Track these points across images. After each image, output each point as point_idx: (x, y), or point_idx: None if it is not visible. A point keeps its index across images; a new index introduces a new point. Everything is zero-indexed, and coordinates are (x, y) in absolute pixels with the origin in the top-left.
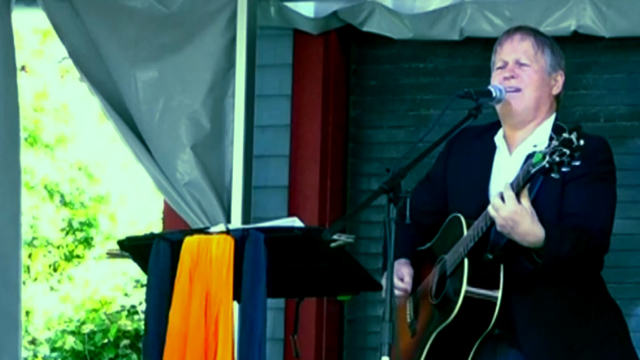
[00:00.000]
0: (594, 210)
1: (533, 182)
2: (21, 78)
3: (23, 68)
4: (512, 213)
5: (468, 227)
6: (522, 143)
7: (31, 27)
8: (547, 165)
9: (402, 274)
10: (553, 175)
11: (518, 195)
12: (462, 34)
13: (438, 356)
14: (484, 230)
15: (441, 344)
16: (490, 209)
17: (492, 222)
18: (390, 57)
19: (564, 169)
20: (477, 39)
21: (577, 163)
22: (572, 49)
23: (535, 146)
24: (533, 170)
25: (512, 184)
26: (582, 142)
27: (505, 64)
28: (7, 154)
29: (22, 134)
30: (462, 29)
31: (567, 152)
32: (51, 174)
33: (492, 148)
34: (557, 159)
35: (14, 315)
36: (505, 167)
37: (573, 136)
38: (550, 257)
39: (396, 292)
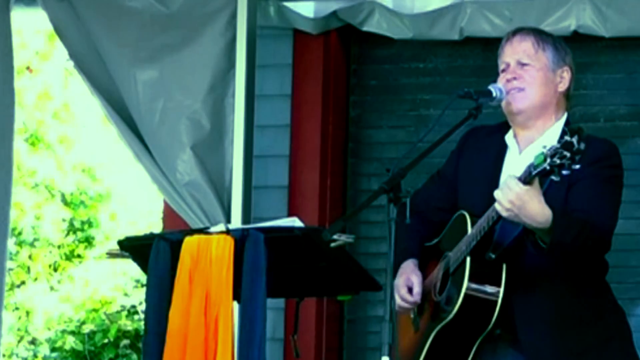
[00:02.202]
0: (598, 208)
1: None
2: (25, 79)
3: (28, 68)
4: (520, 194)
5: (472, 224)
6: (532, 143)
7: (36, 28)
8: (547, 167)
9: (411, 283)
10: (553, 177)
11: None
12: (462, 34)
13: (439, 353)
14: (485, 229)
15: (442, 341)
16: (496, 204)
17: (494, 222)
18: (390, 57)
19: (564, 172)
20: (477, 39)
21: (577, 166)
22: (572, 49)
23: (544, 147)
24: (534, 172)
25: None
26: (582, 145)
27: (508, 65)
28: (0, 152)
29: (24, 134)
30: (462, 29)
31: (568, 154)
32: (53, 174)
33: (503, 147)
34: (558, 161)
35: None
36: (515, 167)
37: (574, 139)
38: (556, 241)
39: (405, 304)
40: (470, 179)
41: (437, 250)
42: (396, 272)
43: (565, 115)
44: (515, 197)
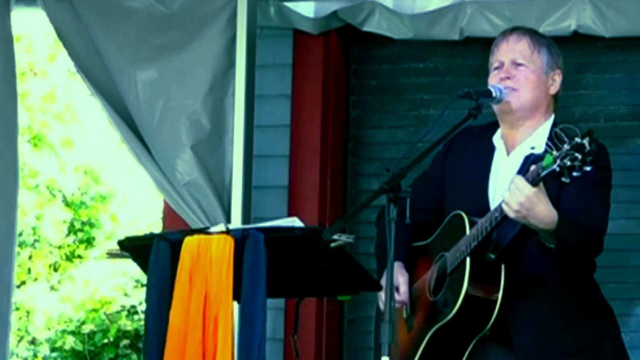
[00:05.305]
0: (591, 209)
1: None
2: (30, 81)
3: (32, 71)
4: (530, 197)
5: (470, 225)
6: (520, 144)
7: (42, 32)
8: (557, 169)
9: (398, 283)
10: (563, 179)
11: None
12: (462, 34)
13: (434, 353)
14: (488, 230)
15: (438, 341)
16: (503, 205)
17: (497, 223)
18: (390, 57)
19: (574, 174)
20: (477, 39)
21: (588, 168)
22: (572, 49)
23: (532, 148)
24: (543, 173)
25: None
26: (594, 146)
27: (502, 64)
28: (5, 154)
29: (27, 136)
30: (462, 29)
31: (579, 157)
32: (55, 175)
33: (491, 148)
34: (569, 163)
35: (4, 316)
36: (503, 168)
37: (585, 141)
38: (564, 242)
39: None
40: (457, 180)
41: (428, 250)
42: (381, 274)
43: (553, 116)
44: (525, 200)
